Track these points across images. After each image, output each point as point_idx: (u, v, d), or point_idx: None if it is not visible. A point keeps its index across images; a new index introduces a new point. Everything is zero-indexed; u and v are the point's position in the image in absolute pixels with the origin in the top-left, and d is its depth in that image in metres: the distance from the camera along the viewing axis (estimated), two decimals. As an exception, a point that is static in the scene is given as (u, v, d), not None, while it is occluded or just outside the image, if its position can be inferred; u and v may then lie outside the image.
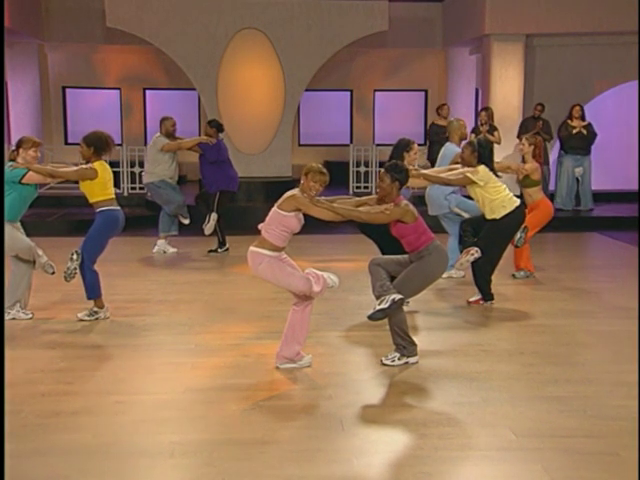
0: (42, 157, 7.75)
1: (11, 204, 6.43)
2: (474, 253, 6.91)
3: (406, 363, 5.45)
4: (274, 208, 5.15)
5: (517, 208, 7.02)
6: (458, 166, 7.25)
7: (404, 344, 5.44)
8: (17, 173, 6.44)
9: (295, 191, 5.14)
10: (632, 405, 4.72)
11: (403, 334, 5.42)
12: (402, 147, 6.95)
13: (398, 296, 5.23)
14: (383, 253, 6.56)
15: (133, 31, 13.31)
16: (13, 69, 14.88)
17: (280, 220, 5.10)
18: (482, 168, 6.97)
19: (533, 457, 4.03)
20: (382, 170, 5.41)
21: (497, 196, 6.97)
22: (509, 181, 8.19)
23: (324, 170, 5.14)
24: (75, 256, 6.48)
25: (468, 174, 6.95)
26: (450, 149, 8.09)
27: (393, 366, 5.42)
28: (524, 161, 8.16)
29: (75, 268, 6.49)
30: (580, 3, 13.20)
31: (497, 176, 7.10)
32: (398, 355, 5.46)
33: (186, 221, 10.00)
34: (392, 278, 5.44)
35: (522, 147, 8.13)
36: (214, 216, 9.71)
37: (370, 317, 5.27)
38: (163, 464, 3.99)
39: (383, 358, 5.49)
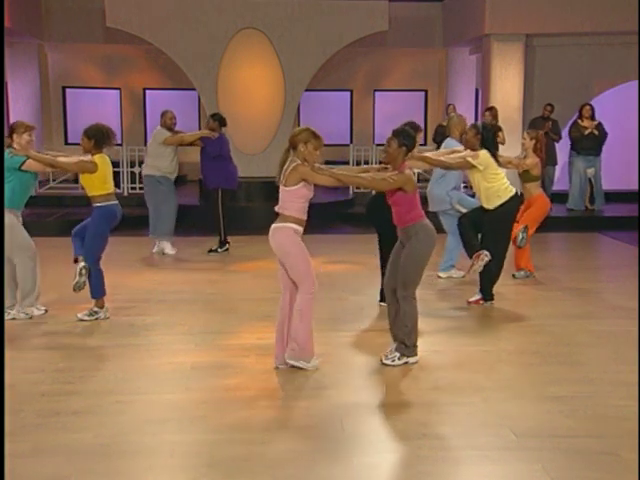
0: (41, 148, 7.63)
1: (12, 191, 6.42)
2: (484, 257, 6.95)
3: (406, 363, 5.45)
4: (281, 187, 5.20)
5: (511, 198, 7.04)
6: (460, 148, 7.28)
7: (407, 343, 5.43)
8: (16, 160, 6.43)
9: (295, 163, 5.16)
10: (632, 405, 4.72)
11: (410, 332, 5.40)
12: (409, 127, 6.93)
13: (403, 361, 5.42)
14: (381, 243, 6.62)
15: (133, 31, 13.30)
16: (13, 69, 14.88)
17: (291, 194, 5.16)
18: (483, 153, 6.98)
19: (533, 457, 4.02)
20: (389, 135, 5.39)
21: (494, 184, 6.98)
22: (511, 176, 8.22)
23: (317, 132, 5.22)
24: (84, 270, 6.53)
25: (468, 158, 6.96)
26: (451, 145, 8.05)
27: (393, 366, 5.42)
28: (526, 156, 8.15)
29: (84, 281, 6.56)
30: (580, 3, 13.21)
31: (497, 162, 7.12)
32: (398, 355, 5.45)
33: (169, 251, 9.71)
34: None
35: (523, 142, 8.13)
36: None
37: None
38: (163, 464, 3.99)
39: (383, 358, 5.48)
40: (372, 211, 6.81)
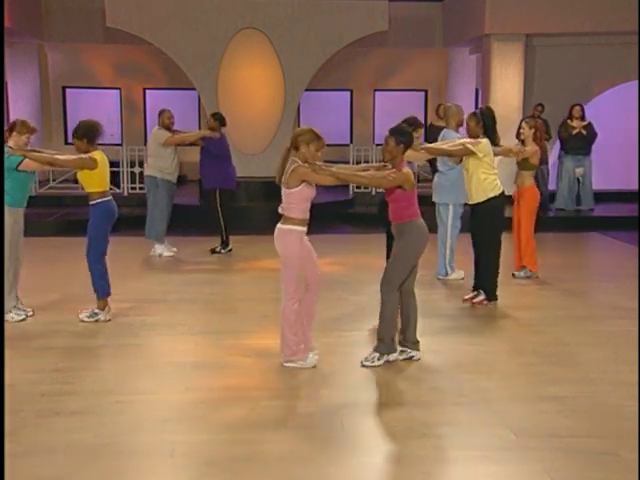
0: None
1: (12, 190, 6.40)
2: (483, 302, 7.20)
3: (387, 362, 5.45)
4: (284, 189, 5.25)
5: (500, 195, 7.08)
6: (460, 140, 7.30)
7: (385, 338, 5.42)
8: (13, 160, 6.39)
9: (295, 164, 5.20)
10: (632, 405, 4.72)
11: (390, 325, 5.41)
12: (408, 124, 6.94)
13: (383, 360, 5.43)
14: (389, 244, 6.62)
15: (133, 31, 13.30)
16: (13, 69, 14.88)
17: (294, 196, 5.22)
18: (485, 141, 7.03)
19: (533, 457, 4.03)
20: (386, 134, 5.42)
21: (488, 176, 7.03)
22: (511, 166, 8.28)
23: (319, 133, 5.26)
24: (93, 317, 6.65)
25: (468, 145, 7.00)
26: (449, 136, 8.02)
27: (374, 366, 5.40)
28: (524, 145, 8.14)
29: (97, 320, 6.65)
30: (580, 3, 13.20)
31: (496, 145, 7.19)
32: (377, 355, 5.45)
33: (162, 251, 9.68)
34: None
35: (523, 131, 8.12)
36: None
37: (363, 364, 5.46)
38: (163, 464, 3.99)
39: (363, 360, 5.47)
40: (383, 211, 6.77)
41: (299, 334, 5.40)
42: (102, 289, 6.63)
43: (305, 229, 5.32)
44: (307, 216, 5.32)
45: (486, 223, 7.09)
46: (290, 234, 5.26)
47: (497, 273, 7.22)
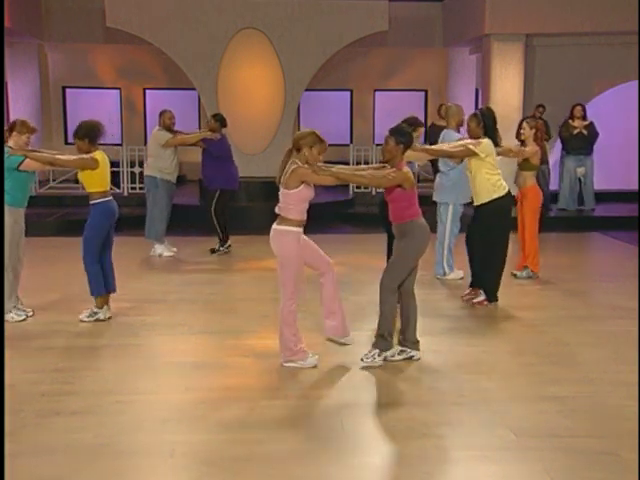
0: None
1: (12, 190, 6.40)
2: (483, 302, 7.19)
3: (385, 359, 5.45)
4: (282, 189, 5.26)
5: (505, 195, 7.07)
6: (461, 141, 7.29)
7: (385, 334, 5.43)
8: (14, 160, 6.39)
9: (295, 165, 5.21)
10: (632, 405, 4.72)
11: (389, 321, 5.43)
12: (408, 124, 6.93)
13: (382, 357, 5.45)
14: (390, 245, 6.63)
15: (133, 31, 13.30)
16: (13, 69, 14.89)
17: (293, 197, 5.22)
18: (486, 141, 7.01)
19: (533, 457, 4.03)
20: (386, 134, 5.43)
21: (491, 176, 7.01)
22: (511, 166, 8.30)
23: (322, 136, 5.27)
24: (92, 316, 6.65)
25: (470, 145, 6.98)
26: (449, 136, 8.00)
27: (374, 366, 5.40)
28: (524, 145, 8.14)
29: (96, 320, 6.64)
30: (580, 3, 13.21)
31: (497, 145, 7.19)
32: (377, 352, 5.46)
33: (162, 251, 9.69)
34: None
35: (523, 131, 8.11)
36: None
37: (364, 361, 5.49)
38: (163, 464, 3.99)
39: (363, 358, 5.48)
40: (384, 211, 6.76)
41: (298, 334, 5.41)
42: (97, 288, 6.61)
43: (302, 229, 5.33)
44: (304, 217, 5.32)
45: (493, 223, 7.06)
46: (287, 235, 5.26)
47: (500, 274, 7.21)
